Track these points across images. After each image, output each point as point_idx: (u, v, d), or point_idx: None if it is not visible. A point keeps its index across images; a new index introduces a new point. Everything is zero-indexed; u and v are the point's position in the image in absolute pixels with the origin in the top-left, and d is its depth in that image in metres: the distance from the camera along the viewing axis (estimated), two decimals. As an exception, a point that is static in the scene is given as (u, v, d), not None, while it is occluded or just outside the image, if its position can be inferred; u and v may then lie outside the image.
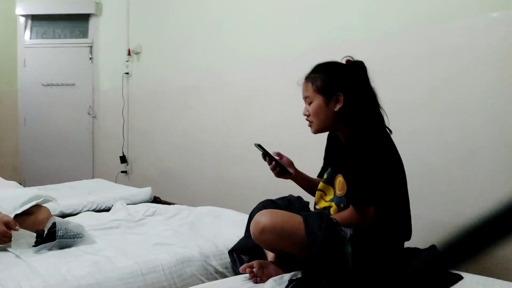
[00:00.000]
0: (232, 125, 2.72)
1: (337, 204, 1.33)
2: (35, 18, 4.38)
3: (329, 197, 1.38)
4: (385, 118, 1.35)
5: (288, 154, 1.54)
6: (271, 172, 1.47)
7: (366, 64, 1.36)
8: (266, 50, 2.47)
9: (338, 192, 1.34)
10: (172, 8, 3.24)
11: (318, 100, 1.33)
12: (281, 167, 1.45)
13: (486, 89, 1.57)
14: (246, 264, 1.30)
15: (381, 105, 1.35)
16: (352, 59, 1.36)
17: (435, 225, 1.69)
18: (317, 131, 1.38)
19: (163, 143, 3.37)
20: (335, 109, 1.31)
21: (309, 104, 1.36)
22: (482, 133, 1.58)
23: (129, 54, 3.72)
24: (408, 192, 1.32)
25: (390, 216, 1.26)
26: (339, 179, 1.33)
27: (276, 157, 1.47)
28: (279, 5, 2.38)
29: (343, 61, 1.37)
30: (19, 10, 4.30)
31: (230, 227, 1.77)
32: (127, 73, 3.77)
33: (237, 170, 2.67)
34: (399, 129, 1.47)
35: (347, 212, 1.26)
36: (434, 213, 1.70)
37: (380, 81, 1.40)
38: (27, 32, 4.39)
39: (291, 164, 1.50)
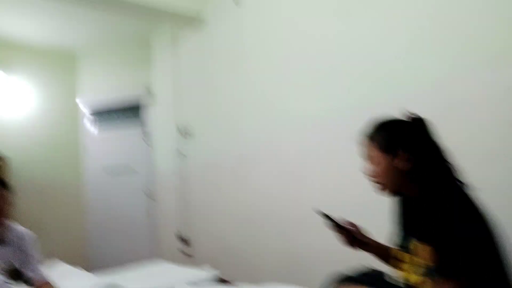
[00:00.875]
0: (290, 190, 2.66)
1: (428, 276, 1.17)
2: (95, 112, 4.77)
3: (416, 269, 1.24)
4: (458, 172, 1.24)
5: (350, 214, 1.44)
6: (338, 240, 1.37)
7: (426, 115, 1.30)
8: (315, 110, 2.47)
9: (425, 263, 1.19)
10: (219, 84, 3.39)
11: (384, 160, 1.27)
12: (352, 236, 1.36)
13: None
14: None
15: (451, 159, 1.26)
16: (413, 115, 1.31)
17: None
18: (391, 193, 1.30)
19: (223, 219, 3.34)
20: (403, 168, 1.24)
21: (374, 164, 1.30)
22: None
23: (182, 135, 3.88)
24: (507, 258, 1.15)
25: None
26: (423, 248, 1.19)
27: (345, 225, 1.38)
28: (323, 65, 2.42)
29: (404, 117, 1.31)
30: (81, 106, 4.72)
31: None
32: (182, 154, 3.91)
33: (300, 239, 2.56)
34: (476, 183, 1.34)
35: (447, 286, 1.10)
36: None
37: (445, 131, 1.32)
38: (89, 125, 4.77)
39: (362, 232, 1.40)
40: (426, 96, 1.86)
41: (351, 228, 1.38)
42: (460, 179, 1.23)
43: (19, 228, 1.95)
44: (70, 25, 4.02)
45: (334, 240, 1.40)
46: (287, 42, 2.70)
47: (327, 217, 1.36)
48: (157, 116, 4.43)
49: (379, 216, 1.49)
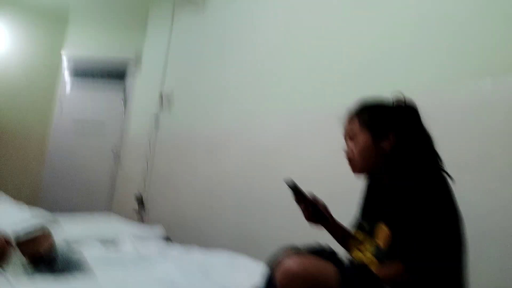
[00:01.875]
0: (258, 173, 2.58)
1: (379, 259, 1.12)
2: (79, 68, 4.56)
3: (369, 250, 1.18)
4: (442, 163, 1.17)
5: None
6: (295, 220, 1.30)
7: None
8: (298, 100, 2.39)
9: (380, 245, 1.14)
10: (209, 59, 3.31)
11: (365, 137, 1.19)
12: (317, 211, 1.28)
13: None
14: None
15: (437, 149, 1.18)
16: (403, 99, 1.23)
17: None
18: (360, 170, 1.23)
19: (184, 189, 3.25)
20: (385, 149, 1.17)
21: (354, 142, 1.22)
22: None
23: (160, 101, 3.75)
24: (466, 252, 1.10)
25: (443, 275, 1.05)
26: (382, 229, 1.14)
27: (310, 198, 1.31)
28: (312, 58, 2.33)
29: (395, 100, 1.23)
30: (65, 59, 4.54)
31: (244, 274, 1.57)
32: (157, 120, 3.77)
33: (258, 217, 2.49)
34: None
35: (392, 269, 1.05)
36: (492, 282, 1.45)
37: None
38: (68, 74, 4.56)
39: (326, 210, 1.34)
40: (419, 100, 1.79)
41: (316, 202, 1.32)
42: (442, 170, 1.14)
43: None
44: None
45: (290, 220, 1.33)
46: (280, 32, 2.63)
47: (295, 187, 1.29)
48: (141, 81, 4.30)
49: (346, 209, 1.43)
